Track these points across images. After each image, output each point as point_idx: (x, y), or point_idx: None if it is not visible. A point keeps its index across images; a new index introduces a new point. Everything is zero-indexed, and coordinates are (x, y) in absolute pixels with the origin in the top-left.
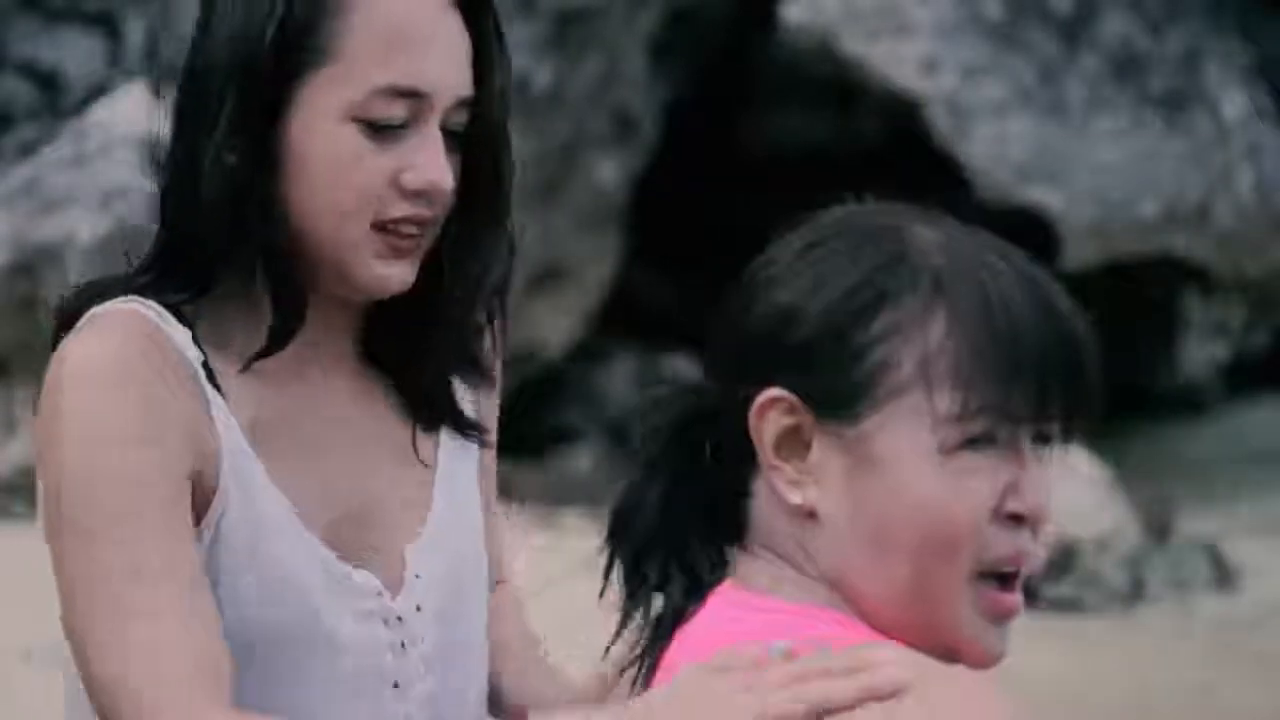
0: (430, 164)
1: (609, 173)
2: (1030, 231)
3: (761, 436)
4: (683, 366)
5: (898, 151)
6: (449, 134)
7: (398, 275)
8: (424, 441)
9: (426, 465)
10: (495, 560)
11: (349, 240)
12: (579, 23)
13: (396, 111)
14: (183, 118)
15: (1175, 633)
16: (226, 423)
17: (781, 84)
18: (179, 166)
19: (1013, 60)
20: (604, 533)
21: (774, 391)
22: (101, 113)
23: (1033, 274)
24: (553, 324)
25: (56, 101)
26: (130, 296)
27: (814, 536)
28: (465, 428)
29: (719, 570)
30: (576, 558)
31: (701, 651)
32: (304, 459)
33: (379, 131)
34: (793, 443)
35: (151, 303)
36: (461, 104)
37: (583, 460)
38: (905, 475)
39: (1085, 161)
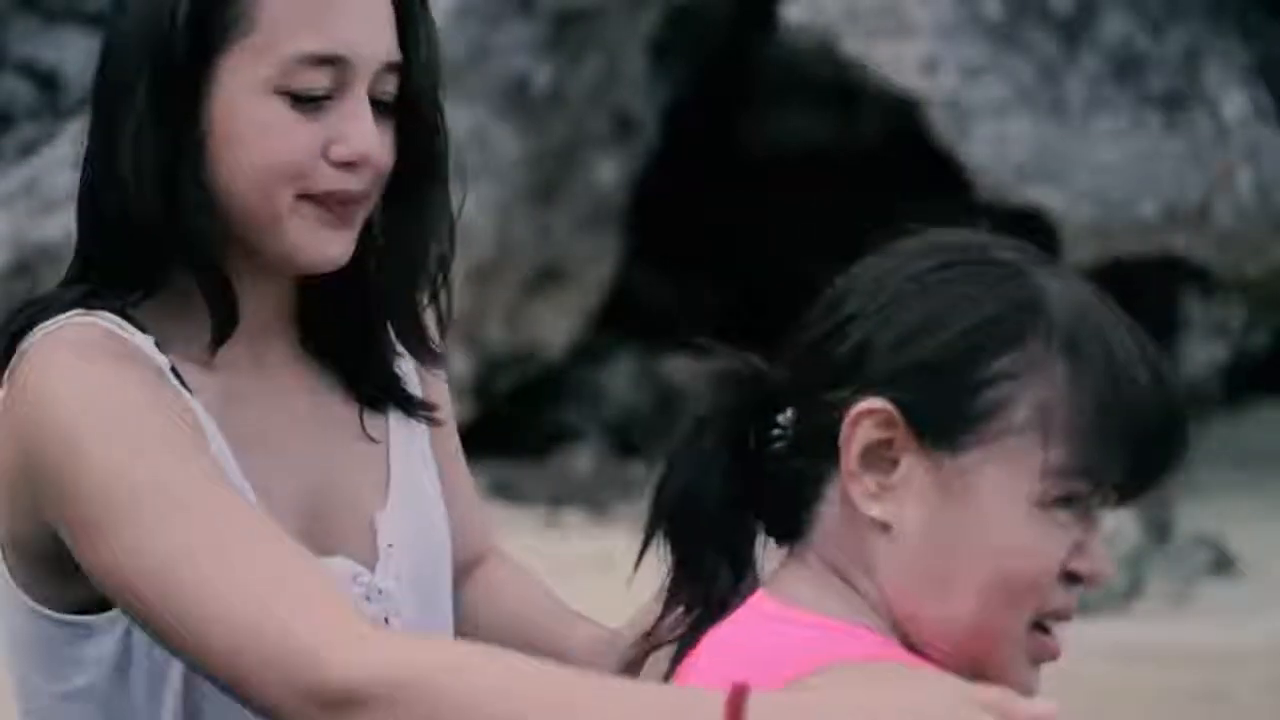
0: (358, 134)
1: (609, 173)
2: (1030, 231)
3: (850, 444)
4: (683, 366)
5: (898, 151)
6: (380, 104)
7: (336, 246)
8: (373, 419)
9: (377, 441)
10: (481, 530)
11: (277, 212)
12: (579, 23)
13: (320, 80)
14: (100, 106)
15: (1174, 631)
16: (202, 419)
17: (781, 84)
18: (99, 158)
19: (1013, 60)
20: (650, 511)
21: (876, 403)
22: None
23: (1149, 347)
24: (553, 324)
25: (56, 101)
26: (75, 311)
27: (881, 551)
28: (412, 407)
29: (754, 565)
30: (577, 557)
31: (739, 661)
32: (268, 449)
33: (304, 103)
34: (877, 455)
35: (101, 313)
36: (388, 70)
37: (583, 460)
38: (995, 516)
39: (1085, 161)
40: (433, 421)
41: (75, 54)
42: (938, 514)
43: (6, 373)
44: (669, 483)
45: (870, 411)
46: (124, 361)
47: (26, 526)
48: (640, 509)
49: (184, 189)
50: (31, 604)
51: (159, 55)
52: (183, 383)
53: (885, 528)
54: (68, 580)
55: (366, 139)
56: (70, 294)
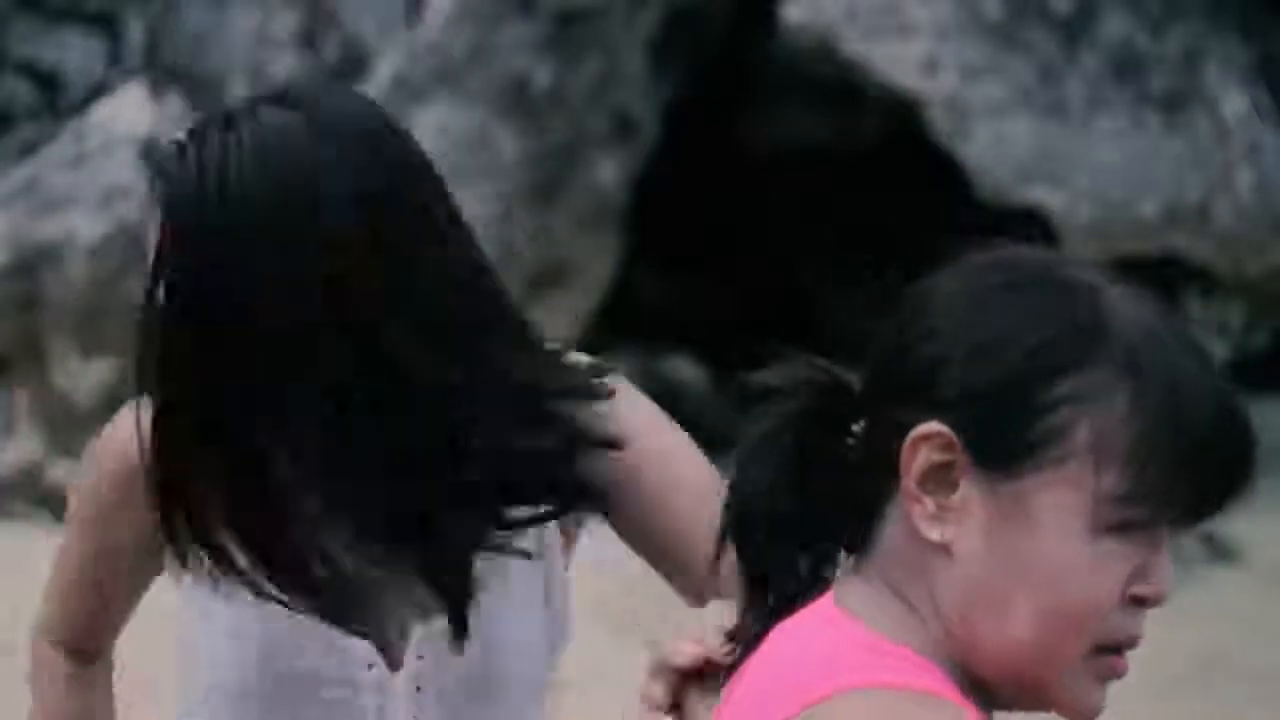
0: None
1: (609, 173)
2: (1030, 232)
3: (910, 466)
4: (683, 366)
5: (898, 151)
6: None
7: None
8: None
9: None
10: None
11: None
12: (579, 23)
13: None
14: None
15: (1174, 631)
16: None
17: (781, 84)
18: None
19: (1013, 60)
20: (725, 510)
21: (935, 427)
22: (101, 113)
23: (1216, 374)
24: (553, 324)
25: (56, 101)
26: None
27: (942, 573)
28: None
29: (835, 570)
30: (578, 556)
31: (791, 663)
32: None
33: None
34: (938, 478)
35: None
36: None
37: None
38: (1051, 543)
39: (1085, 161)
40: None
41: (75, 54)
42: (996, 539)
43: None
44: (741, 485)
45: (930, 435)
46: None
47: None
48: None
49: None
50: None
51: None
52: None
53: (945, 550)
54: None
55: None
56: None
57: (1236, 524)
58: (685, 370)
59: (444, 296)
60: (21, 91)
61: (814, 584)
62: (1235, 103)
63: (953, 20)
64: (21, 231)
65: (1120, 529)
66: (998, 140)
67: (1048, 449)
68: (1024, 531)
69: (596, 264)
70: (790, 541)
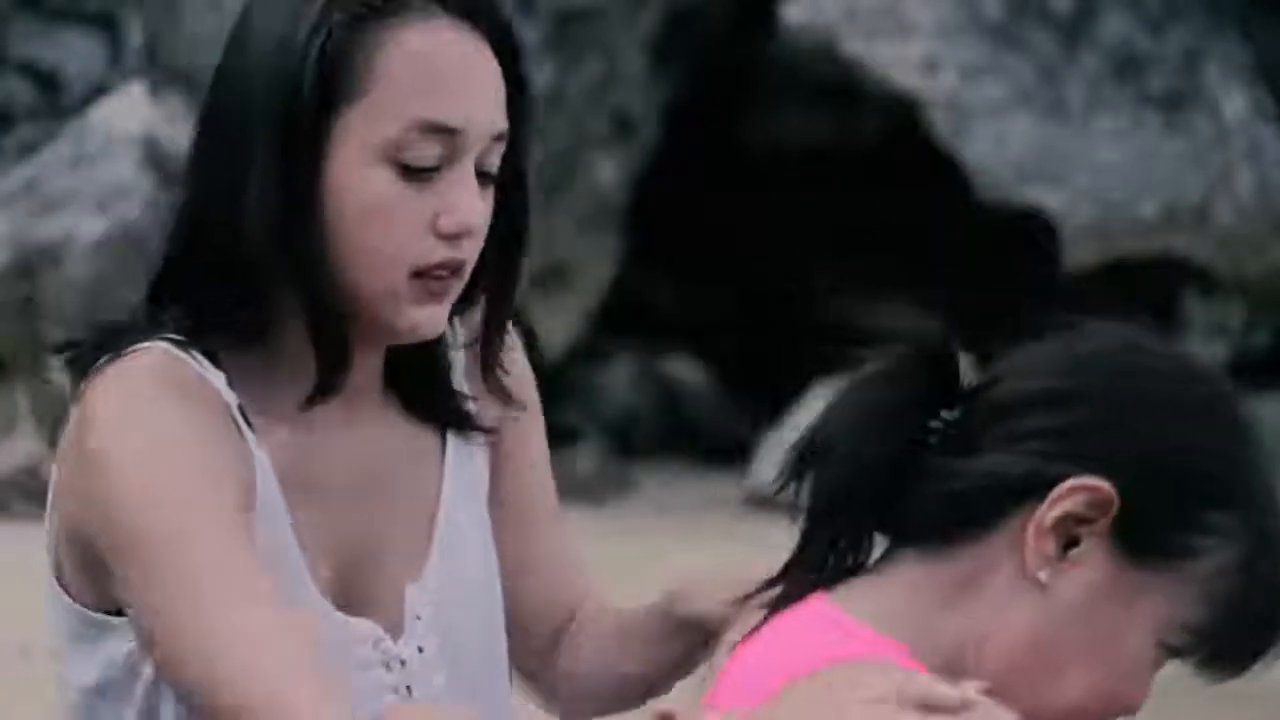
0: (464, 205)
1: (609, 173)
2: (1030, 231)
3: (1056, 504)
4: (683, 367)
5: (898, 151)
6: (482, 174)
7: (430, 319)
8: (431, 457)
9: (431, 497)
10: (579, 591)
11: (386, 288)
12: (579, 23)
13: (430, 150)
14: (213, 151)
15: None
16: (263, 466)
17: (781, 84)
18: (214, 203)
19: (1013, 60)
20: (799, 459)
21: (1106, 486)
22: (101, 113)
23: None
24: (553, 324)
25: (56, 101)
26: (156, 342)
27: (1020, 610)
28: (467, 425)
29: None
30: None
31: (784, 654)
32: (320, 506)
33: (413, 174)
34: (1065, 526)
35: (174, 348)
36: (496, 140)
37: (583, 460)
38: (1134, 637)
39: (1085, 161)
40: (488, 431)
41: (75, 54)
42: (1091, 607)
43: (80, 390)
44: (826, 423)
45: (1094, 489)
46: (185, 399)
47: (82, 533)
48: (640, 509)
49: (305, 242)
50: (68, 600)
51: (285, 109)
52: (249, 424)
53: (1038, 590)
54: (105, 584)
55: (472, 210)
56: (148, 324)
57: None
58: (685, 370)
59: None
60: (21, 91)
61: (860, 555)
62: (1235, 103)
63: (953, 20)
64: (21, 232)
65: (1173, 649)
66: (998, 140)
67: (1176, 561)
68: (1117, 615)
69: (596, 264)
70: (862, 509)
